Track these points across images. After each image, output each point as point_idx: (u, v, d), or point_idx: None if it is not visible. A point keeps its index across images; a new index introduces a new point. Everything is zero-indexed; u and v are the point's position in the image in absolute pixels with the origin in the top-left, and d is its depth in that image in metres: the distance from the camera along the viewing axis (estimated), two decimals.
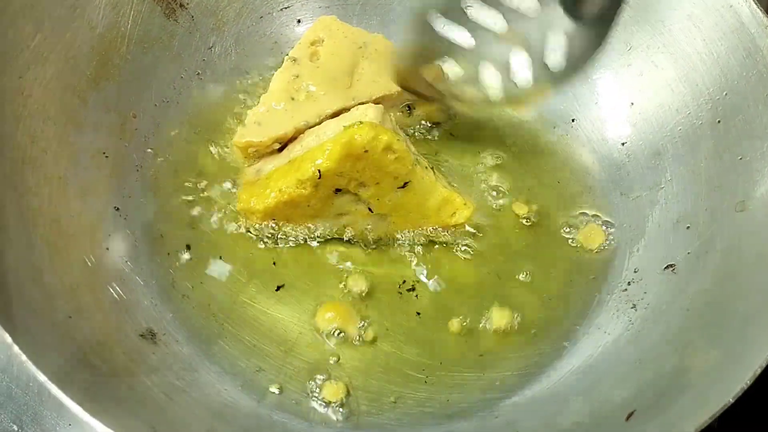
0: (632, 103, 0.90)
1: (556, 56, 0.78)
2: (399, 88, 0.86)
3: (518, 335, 0.80)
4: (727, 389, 0.59)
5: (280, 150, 0.84)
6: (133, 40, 0.86)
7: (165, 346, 0.74)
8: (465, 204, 0.83)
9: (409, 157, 0.77)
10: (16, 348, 0.57)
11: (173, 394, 0.69)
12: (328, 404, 0.75)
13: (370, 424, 0.74)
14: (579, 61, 0.78)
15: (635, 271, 0.81)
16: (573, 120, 0.93)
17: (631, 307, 0.78)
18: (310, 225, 0.82)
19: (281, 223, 0.82)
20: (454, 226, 0.84)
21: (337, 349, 0.78)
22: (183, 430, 0.65)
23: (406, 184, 0.78)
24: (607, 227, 0.86)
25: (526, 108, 0.86)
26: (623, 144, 0.90)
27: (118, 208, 0.81)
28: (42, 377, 0.56)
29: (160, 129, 0.88)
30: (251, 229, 0.83)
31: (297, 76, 0.85)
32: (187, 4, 0.90)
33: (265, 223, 0.82)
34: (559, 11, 0.76)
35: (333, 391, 0.75)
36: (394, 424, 0.74)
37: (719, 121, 0.80)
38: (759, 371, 0.59)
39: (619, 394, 0.69)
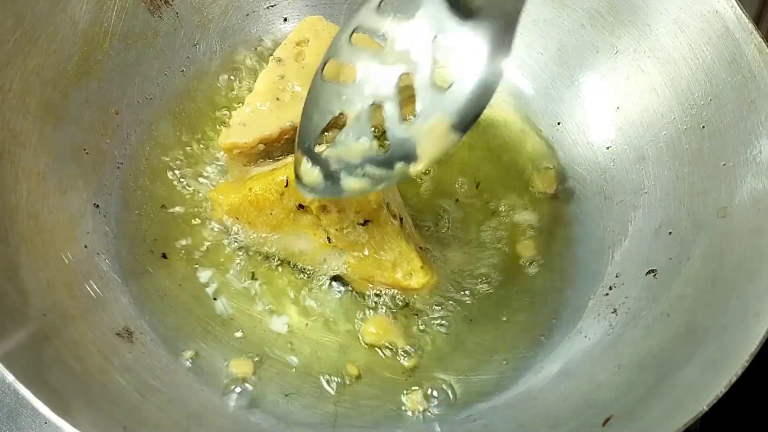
0: (618, 107, 0.89)
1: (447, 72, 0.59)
2: None
3: (496, 339, 0.80)
4: (703, 396, 0.59)
5: (265, 151, 0.84)
6: (116, 35, 0.86)
7: (141, 345, 0.74)
8: (423, 268, 0.77)
9: (376, 197, 0.74)
10: None
11: (148, 394, 0.68)
12: (305, 406, 0.74)
13: (350, 427, 0.74)
14: (485, 75, 0.57)
15: (617, 276, 0.81)
16: (558, 123, 0.93)
17: (612, 312, 0.78)
18: (266, 234, 0.80)
19: (242, 224, 0.81)
20: (409, 290, 0.79)
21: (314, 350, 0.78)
22: (157, 430, 0.64)
23: (367, 222, 0.75)
24: None
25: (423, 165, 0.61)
26: (608, 148, 0.89)
27: (97, 205, 0.80)
28: (10, 377, 0.55)
29: (143, 126, 0.87)
30: (216, 226, 0.83)
31: (282, 77, 0.85)
32: (172, 0, 0.90)
33: (228, 218, 0.81)
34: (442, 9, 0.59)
35: (310, 393, 0.75)
36: (370, 427, 0.74)
37: (703, 127, 0.80)
38: (734, 379, 0.58)
39: (596, 399, 0.68)
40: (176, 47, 0.91)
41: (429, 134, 0.59)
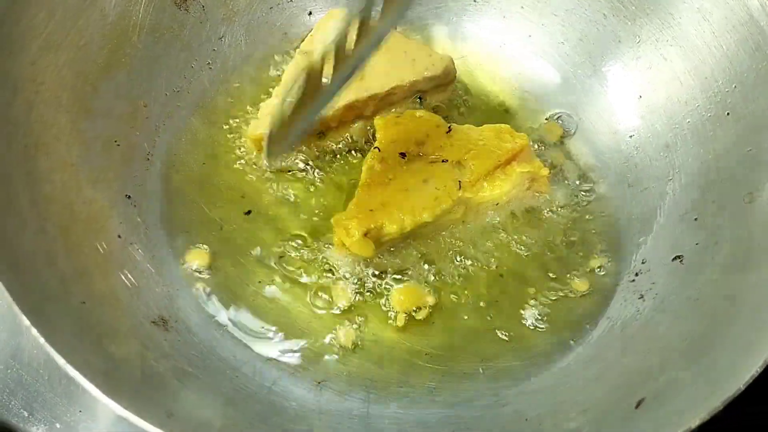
0: (641, 96, 0.90)
1: None
2: (411, 79, 0.87)
3: (525, 326, 0.81)
4: (738, 377, 0.59)
5: None
6: (144, 29, 0.86)
7: (176, 332, 0.75)
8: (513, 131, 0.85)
9: (433, 116, 0.86)
10: (34, 331, 0.57)
11: (186, 380, 0.69)
12: (339, 392, 0.75)
13: (380, 412, 0.75)
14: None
15: (643, 262, 0.81)
16: (581, 112, 0.94)
17: (639, 298, 0.78)
18: (415, 212, 0.79)
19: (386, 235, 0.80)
20: (521, 151, 0.83)
21: (348, 336, 0.79)
22: (197, 415, 0.65)
23: (450, 128, 0.84)
24: None
25: None
26: (631, 136, 0.90)
27: (129, 196, 0.81)
28: (61, 360, 0.56)
29: (171, 118, 0.88)
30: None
31: (311, 66, 0.85)
32: None
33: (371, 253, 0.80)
34: None
35: (344, 378, 0.76)
36: (403, 414, 0.75)
37: (728, 114, 0.80)
38: None
39: (626, 382, 0.69)
40: (202, 40, 0.91)
41: None
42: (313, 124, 0.77)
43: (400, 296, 0.80)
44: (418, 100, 0.91)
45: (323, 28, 0.90)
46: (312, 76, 0.68)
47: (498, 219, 0.86)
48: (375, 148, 0.83)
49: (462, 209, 0.82)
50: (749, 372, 0.59)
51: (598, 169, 0.91)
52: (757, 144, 0.76)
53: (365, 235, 0.77)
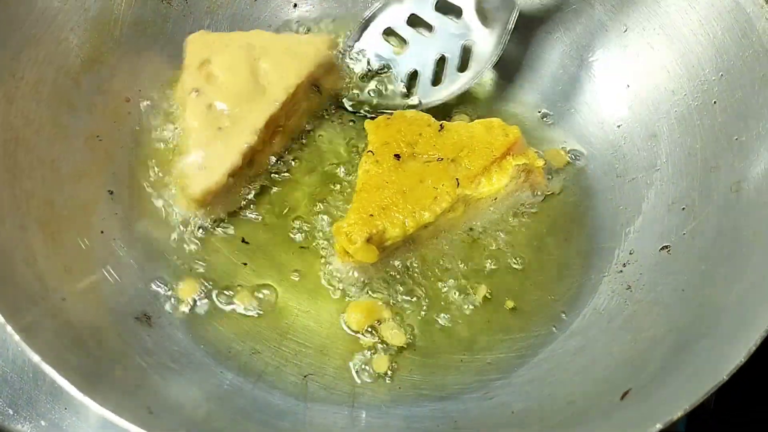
0: (628, 85, 0.89)
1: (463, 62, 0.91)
2: (306, 71, 0.85)
3: (513, 317, 0.80)
4: (722, 367, 0.59)
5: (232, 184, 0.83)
6: (126, 22, 0.86)
7: (160, 328, 0.74)
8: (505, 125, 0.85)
9: (423, 115, 0.85)
10: (9, 328, 0.56)
11: (168, 377, 0.69)
12: (325, 387, 0.75)
13: (366, 405, 0.74)
14: (483, 63, 0.90)
15: (630, 253, 0.81)
16: (568, 102, 0.93)
17: (627, 288, 0.78)
18: (415, 214, 0.78)
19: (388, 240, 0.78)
20: (515, 144, 0.83)
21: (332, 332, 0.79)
22: (179, 411, 0.65)
23: (442, 125, 0.84)
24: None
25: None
26: (619, 126, 0.89)
27: (112, 192, 0.81)
28: (35, 357, 0.55)
29: (155, 113, 0.87)
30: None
31: (210, 106, 0.81)
32: None
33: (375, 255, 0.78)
34: (463, 22, 0.91)
35: (330, 372, 0.76)
36: (389, 406, 0.74)
37: (715, 102, 0.80)
38: (753, 349, 0.59)
39: (613, 374, 0.69)
40: (186, 33, 0.90)
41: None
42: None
43: (355, 314, 0.79)
44: (315, 89, 0.89)
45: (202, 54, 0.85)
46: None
47: (497, 213, 0.85)
48: (368, 151, 0.82)
49: (462, 207, 0.82)
50: (733, 363, 0.58)
51: (587, 159, 0.90)
52: (744, 132, 0.76)
53: (367, 240, 0.76)
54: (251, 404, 0.71)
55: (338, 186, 0.87)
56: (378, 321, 0.78)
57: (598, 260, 0.83)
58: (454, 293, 0.81)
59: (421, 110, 0.88)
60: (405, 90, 0.93)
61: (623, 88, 0.90)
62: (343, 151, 0.90)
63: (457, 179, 0.80)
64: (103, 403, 0.55)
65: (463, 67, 0.91)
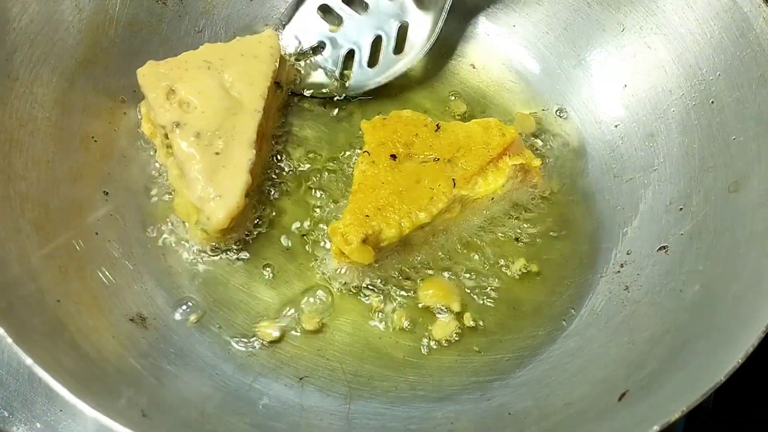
0: (625, 85, 0.89)
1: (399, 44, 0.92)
2: (271, 71, 0.84)
3: (510, 318, 0.80)
4: (719, 368, 0.59)
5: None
6: (121, 23, 0.85)
7: (155, 330, 0.74)
8: (502, 125, 0.84)
9: (420, 115, 0.85)
10: (1, 330, 0.56)
11: (163, 378, 0.69)
12: (320, 388, 0.74)
13: (362, 407, 0.74)
14: (420, 45, 0.91)
15: (628, 253, 0.81)
16: (566, 102, 0.93)
17: (624, 289, 0.78)
18: (411, 214, 0.78)
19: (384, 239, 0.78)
20: (511, 144, 0.82)
21: (329, 334, 0.78)
22: (174, 413, 0.65)
23: (438, 126, 0.83)
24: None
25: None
26: (616, 126, 0.89)
27: (107, 193, 0.80)
28: (28, 360, 0.55)
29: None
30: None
31: (197, 134, 0.78)
32: None
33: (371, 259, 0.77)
34: (399, 2, 0.92)
35: (326, 374, 0.76)
36: (386, 409, 0.74)
37: (713, 102, 0.80)
38: (751, 350, 0.59)
39: (611, 375, 0.69)
40: (181, 34, 0.90)
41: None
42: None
43: (428, 289, 0.80)
44: (277, 85, 0.88)
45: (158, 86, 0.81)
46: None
47: (494, 214, 0.85)
48: (364, 152, 0.82)
49: (458, 207, 0.81)
50: (730, 364, 0.58)
51: (584, 159, 0.90)
52: (742, 132, 0.76)
53: (364, 241, 0.76)
54: (247, 406, 0.71)
55: (333, 175, 0.87)
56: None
57: (596, 261, 0.83)
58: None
59: (357, 93, 0.92)
60: (339, 71, 0.93)
61: (620, 87, 0.90)
62: (323, 137, 0.90)
63: (453, 179, 0.79)
64: (96, 407, 0.55)
65: (399, 49, 0.92)
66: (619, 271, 0.80)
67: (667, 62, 0.85)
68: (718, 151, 0.78)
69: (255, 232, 0.83)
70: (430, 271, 0.82)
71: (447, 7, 0.89)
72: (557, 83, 0.94)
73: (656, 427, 0.56)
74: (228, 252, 0.81)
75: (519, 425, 0.69)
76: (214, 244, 0.80)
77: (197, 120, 0.78)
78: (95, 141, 0.81)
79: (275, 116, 0.90)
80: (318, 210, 0.85)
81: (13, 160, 0.72)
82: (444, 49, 0.97)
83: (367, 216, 0.76)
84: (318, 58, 0.93)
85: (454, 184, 0.79)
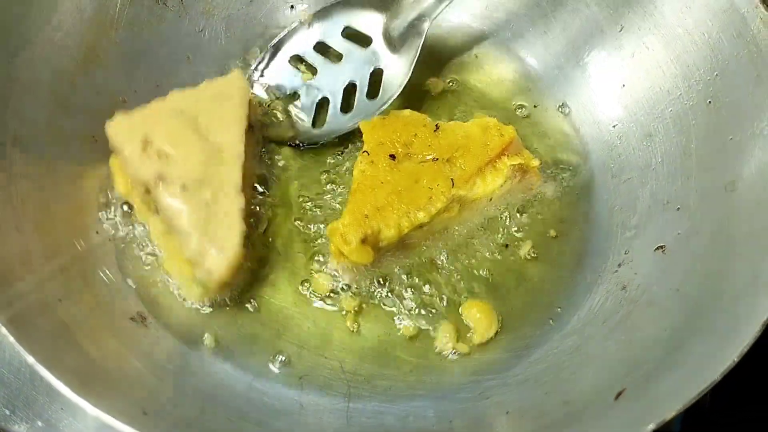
0: (624, 85, 0.90)
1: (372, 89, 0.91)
2: (244, 113, 0.81)
3: (508, 317, 0.80)
4: (715, 367, 0.59)
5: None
6: (122, 23, 0.86)
7: (155, 329, 0.75)
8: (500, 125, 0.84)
9: (419, 116, 0.85)
10: (4, 329, 0.57)
11: (164, 377, 0.70)
12: (320, 387, 0.75)
13: (362, 407, 0.75)
14: (393, 88, 0.90)
15: (626, 253, 0.81)
16: (564, 102, 0.94)
17: (622, 289, 0.78)
18: (410, 214, 0.78)
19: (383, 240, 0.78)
20: (510, 144, 0.82)
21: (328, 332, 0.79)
22: (174, 412, 0.65)
23: (437, 126, 0.83)
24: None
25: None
26: (614, 126, 0.90)
27: (107, 193, 0.81)
28: (30, 359, 0.56)
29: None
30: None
31: (183, 186, 0.75)
32: None
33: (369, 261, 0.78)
34: (372, 49, 0.92)
35: (325, 373, 0.76)
36: (384, 408, 0.74)
37: (710, 102, 0.80)
38: (746, 349, 0.59)
39: (608, 374, 0.69)
40: (182, 34, 0.91)
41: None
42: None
43: (477, 313, 0.80)
44: (250, 128, 0.84)
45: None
46: None
47: (492, 214, 0.86)
48: (364, 152, 0.82)
49: (457, 207, 0.82)
50: (726, 363, 0.59)
51: (583, 159, 0.90)
52: (739, 132, 0.76)
53: (363, 241, 0.76)
54: (247, 404, 0.71)
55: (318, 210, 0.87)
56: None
57: (594, 260, 0.83)
58: (449, 293, 0.81)
59: (328, 140, 0.90)
60: (312, 118, 0.91)
61: (619, 87, 0.90)
62: (306, 181, 0.89)
63: (452, 179, 0.80)
64: (97, 405, 0.55)
65: (373, 94, 0.91)
66: (616, 271, 0.81)
67: (665, 62, 0.85)
68: (715, 151, 0.78)
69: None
70: (435, 275, 0.82)
71: (419, 49, 0.89)
72: (556, 83, 0.94)
73: (652, 426, 0.57)
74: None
75: (517, 423, 0.70)
76: (211, 298, 0.78)
77: (180, 171, 0.75)
78: (96, 141, 0.81)
79: (251, 159, 0.86)
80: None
81: (15, 159, 0.73)
82: (442, 50, 0.97)
83: (366, 216, 0.77)
84: (291, 107, 0.92)
85: (453, 184, 0.80)
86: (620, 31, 0.89)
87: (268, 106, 0.92)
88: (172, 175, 0.75)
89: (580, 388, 0.70)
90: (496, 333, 0.79)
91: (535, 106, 0.94)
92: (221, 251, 0.73)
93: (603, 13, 0.90)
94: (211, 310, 0.78)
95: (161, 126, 0.77)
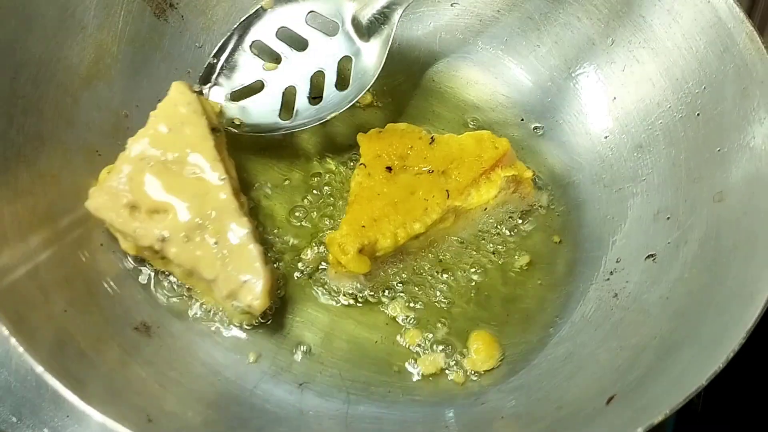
0: (614, 98, 0.92)
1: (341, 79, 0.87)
2: (205, 125, 0.80)
3: (503, 326, 0.82)
4: (702, 372, 0.61)
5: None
6: (123, 39, 0.88)
7: (159, 338, 0.76)
8: (494, 137, 0.86)
9: (415, 128, 0.87)
10: (13, 340, 0.58)
11: (168, 385, 0.71)
12: (320, 393, 0.77)
13: (360, 412, 0.76)
14: (365, 79, 0.87)
15: (617, 261, 0.83)
16: (556, 114, 0.96)
17: (613, 296, 0.80)
18: (406, 225, 0.80)
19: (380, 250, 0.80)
20: (504, 156, 0.84)
21: (328, 341, 0.81)
22: (177, 419, 0.67)
23: (433, 138, 0.86)
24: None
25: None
26: (606, 137, 0.91)
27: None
28: (39, 368, 0.57)
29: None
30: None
31: (187, 238, 0.75)
32: (177, 3, 0.92)
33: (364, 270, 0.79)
34: (339, 37, 0.88)
35: (324, 380, 0.78)
36: (383, 413, 0.76)
37: (698, 114, 0.82)
38: (732, 355, 0.61)
39: (600, 380, 0.71)
40: (182, 49, 0.93)
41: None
42: None
43: (478, 344, 0.80)
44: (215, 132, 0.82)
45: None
46: None
47: (487, 224, 0.87)
48: (360, 164, 0.84)
49: (452, 217, 0.84)
50: (712, 369, 0.60)
51: (575, 170, 0.92)
52: (726, 143, 0.78)
53: (360, 251, 0.78)
54: (248, 411, 0.73)
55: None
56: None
57: (586, 268, 0.85)
58: (446, 302, 0.83)
59: (299, 129, 0.87)
60: (279, 109, 0.87)
61: (610, 100, 0.92)
62: (284, 168, 0.90)
63: (447, 191, 0.82)
64: (104, 411, 0.57)
65: (343, 84, 0.87)
66: (608, 279, 0.82)
67: (654, 75, 0.87)
68: (704, 162, 0.80)
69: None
70: (441, 281, 0.84)
71: (390, 39, 0.86)
72: (548, 95, 0.96)
73: (641, 429, 0.59)
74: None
75: (511, 428, 0.72)
76: (255, 321, 0.80)
77: (177, 223, 0.74)
78: (99, 155, 0.83)
79: (229, 163, 0.83)
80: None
81: (21, 174, 0.74)
82: (436, 62, 1.00)
83: (363, 226, 0.79)
84: (255, 97, 0.88)
85: (448, 195, 0.82)
86: (611, 44, 0.91)
87: (230, 98, 0.88)
88: (171, 230, 0.74)
89: (572, 394, 0.72)
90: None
91: (522, 120, 0.96)
92: (250, 283, 0.73)
93: (594, 27, 0.92)
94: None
95: (137, 183, 0.76)
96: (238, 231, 0.75)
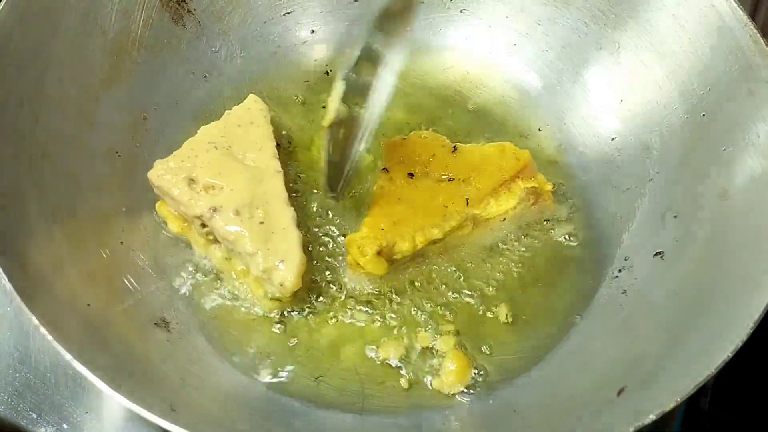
0: (621, 100, 0.93)
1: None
2: (270, 131, 0.86)
3: (515, 324, 0.83)
4: (711, 362, 0.62)
5: None
6: (143, 44, 0.90)
7: (178, 334, 0.78)
8: (516, 149, 0.88)
9: (438, 137, 0.89)
10: (42, 330, 0.60)
11: (188, 378, 0.72)
12: (336, 389, 0.78)
13: (375, 408, 0.78)
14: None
15: (626, 259, 0.84)
16: (564, 117, 0.98)
17: (623, 293, 0.81)
18: (425, 230, 0.81)
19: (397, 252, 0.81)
20: (524, 167, 0.86)
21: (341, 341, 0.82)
22: (199, 409, 0.68)
23: (455, 147, 0.88)
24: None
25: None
26: (613, 139, 0.93)
27: (130, 204, 0.84)
28: (68, 356, 0.59)
29: (170, 129, 0.91)
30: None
31: (237, 212, 0.79)
32: (194, 9, 0.94)
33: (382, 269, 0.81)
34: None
35: (339, 373, 0.79)
36: (397, 410, 0.77)
37: (704, 115, 0.84)
38: (740, 344, 0.62)
39: (610, 373, 0.72)
40: (199, 54, 0.95)
41: None
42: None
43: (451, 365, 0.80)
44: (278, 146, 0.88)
45: None
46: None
47: (505, 233, 0.89)
48: (383, 169, 0.86)
49: (470, 225, 0.85)
50: (720, 358, 0.62)
51: (584, 172, 0.94)
52: (731, 143, 0.80)
53: (378, 253, 0.80)
54: (266, 404, 0.75)
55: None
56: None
57: (596, 267, 0.86)
58: (458, 308, 0.84)
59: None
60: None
61: (617, 102, 0.94)
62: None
63: (467, 199, 0.84)
64: (132, 399, 0.58)
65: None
66: (617, 276, 0.84)
67: (660, 78, 0.89)
68: (710, 162, 0.81)
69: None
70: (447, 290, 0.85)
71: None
72: (557, 99, 0.98)
73: (653, 416, 0.60)
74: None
75: (524, 421, 0.73)
76: (285, 309, 0.82)
77: (230, 198, 0.80)
78: (119, 155, 0.86)
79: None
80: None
81: (45, 172, 0.76)
82: (445, 67, 1.02)
83: (382, 229, 0.81)
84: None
85: (468, 203, 0.83)
86: (618, 48, 0.93)
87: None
88: (224, 204, 0.79)
89: (583, 387, 0.73)
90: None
91: (543, 123, 0.98)
92: (287, 262, 0.77)
93: (601, 31, 0.94)
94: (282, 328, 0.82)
95: (200, 162, 0.82)
96: (285, 215, 0.80)
